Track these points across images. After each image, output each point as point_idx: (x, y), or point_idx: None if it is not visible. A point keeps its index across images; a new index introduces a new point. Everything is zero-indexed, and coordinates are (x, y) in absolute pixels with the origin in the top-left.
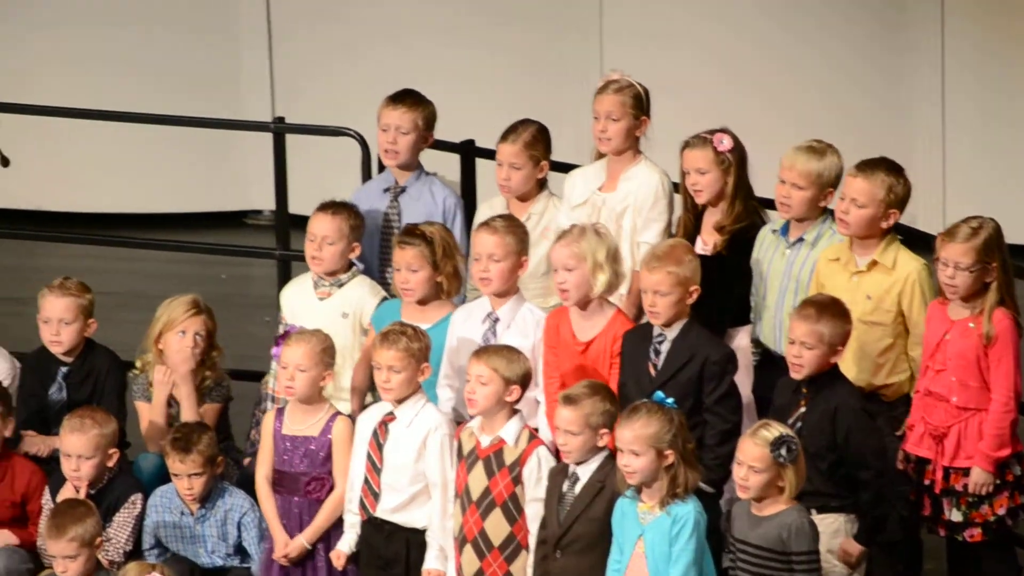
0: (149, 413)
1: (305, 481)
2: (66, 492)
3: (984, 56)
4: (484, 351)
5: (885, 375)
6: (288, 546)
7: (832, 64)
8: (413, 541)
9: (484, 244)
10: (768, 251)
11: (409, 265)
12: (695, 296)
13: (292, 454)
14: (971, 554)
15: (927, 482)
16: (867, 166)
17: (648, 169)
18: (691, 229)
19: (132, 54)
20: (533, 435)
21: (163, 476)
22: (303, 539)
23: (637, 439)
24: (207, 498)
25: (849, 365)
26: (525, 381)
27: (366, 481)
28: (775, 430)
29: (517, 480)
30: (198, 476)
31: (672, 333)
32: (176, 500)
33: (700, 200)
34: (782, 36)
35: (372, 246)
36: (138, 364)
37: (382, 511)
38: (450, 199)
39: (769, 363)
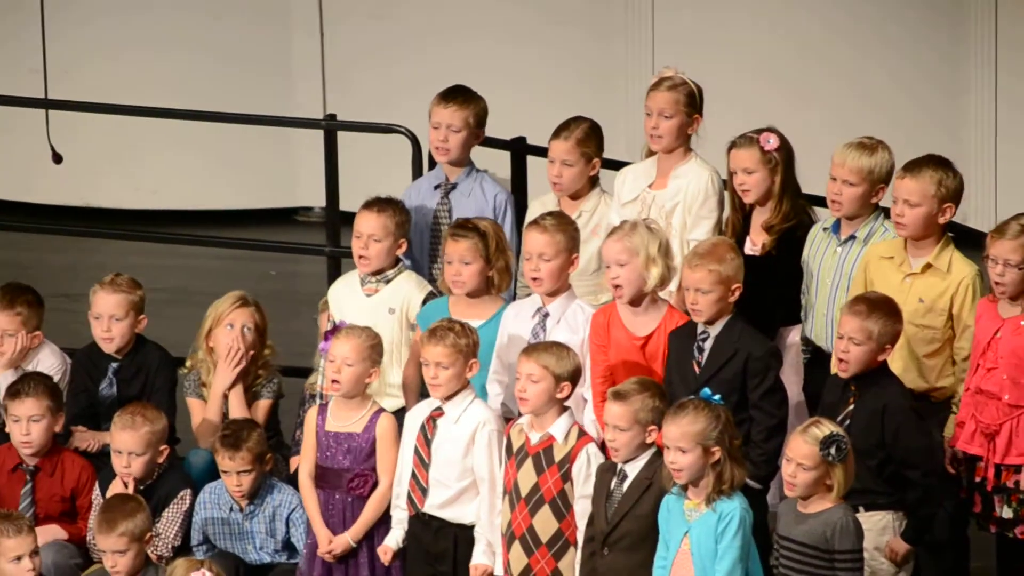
0: (202, 410)
1: (348, 478)
2: (116, 487)
3: None
4: (533, 348)
5: (935, 378)
6: (333, 543)
7: (883, 65)
8: (461, 537)
9: (534, 243)
10: (819, 249)
11: (462, 257)
12: (737, 294)
13: (335, 450)
14: (1021, 551)
15: (978, 479)
16: (913, 165)
17: (699, 166)
18: (739, 229)
19: (184, 50)
20: (583, 432)
21: (214, 472)
22: (349, 537)
23: (684, 436)
24: (256, 494)
25: (898, 367)
26: (575, 377)
27: (414, 476)
28: (826, 428)
29: (566, 477)
30: (247, 473)
31: (715, 330)
32: (225, 496)
33: (748, 200)
34: (833, 42)
35: (422, 243)
36: (188, 362)
37: (430, 507)
38: (501, 195)
39: (819, 361)
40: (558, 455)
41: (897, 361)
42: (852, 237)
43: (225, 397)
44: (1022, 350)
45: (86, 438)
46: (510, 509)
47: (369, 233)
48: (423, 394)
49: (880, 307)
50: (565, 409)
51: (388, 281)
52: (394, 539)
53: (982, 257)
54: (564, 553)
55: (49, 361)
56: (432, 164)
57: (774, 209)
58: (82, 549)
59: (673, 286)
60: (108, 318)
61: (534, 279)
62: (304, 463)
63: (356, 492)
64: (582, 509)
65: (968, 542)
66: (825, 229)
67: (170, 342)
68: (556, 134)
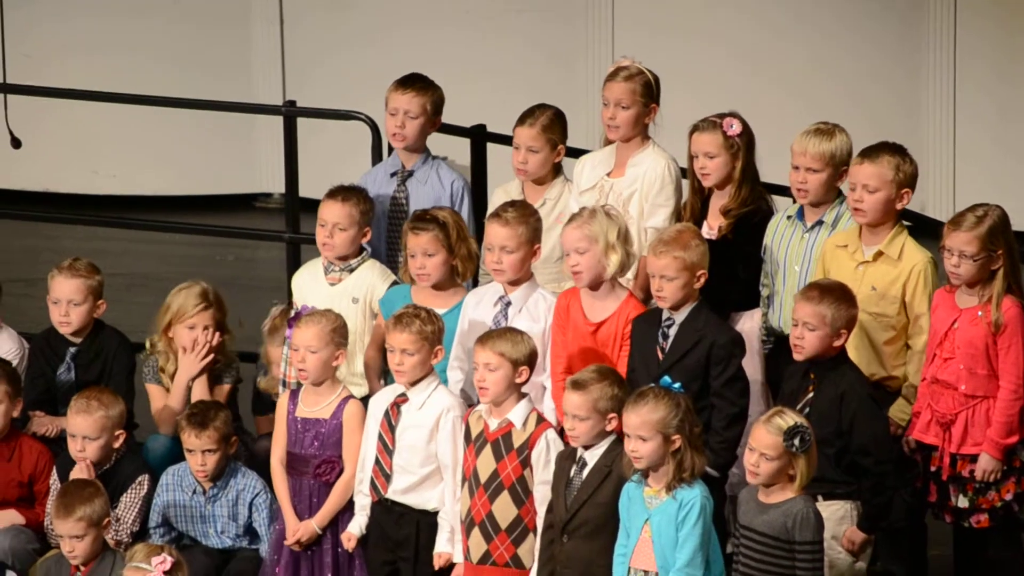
0: (162, 396)
1: (315, 464)
2: (77, 472)
3: (995, 44)
4: (487, 337)
5: (890, 366)
6: (299, 530)
7: (844, 50)
8: (423, 523)
9: (496, 235)
10: (784, 237)
11: (425, 250)
12: (702, 281)
13: (303, 436)
14: (977, 539)
15: (933, 468)
16: (871, 151)
17: (655, 154)
18: (698, 212)
19: (145, 38)
20: (542, 418)
21: (173, 458)
22: (314, 523)
23: (644, 424)
24: (219, 477)
25: (853, 355)
26: (532, 361)
27: (377, 462)
28: (790, 418)
29: (525, 463)
30: (212, 453)
31: (680, 317)
32: (188, 479)
33: (707, 184)
34: (793, 22)
35: (379, 230)
36: (147, 347)
37: (393, 492)
38: (457, 182)
39: (784, 349)
40: (517, 441)
41: (853, 350)
42: (819, 222)
43: (189, 387)
44: (979, 340)
45: (44, 423)
46: (469, 495)
47: (334, 222)
48: (385, 375)
49: (832, 292)
50: (524, 395)
51: (352, 270)
52: (357, 525)
53: (938, 248)
54: (523, 539)
55: (7, 346)
56: (390, 151)
57: (733, 194)
58: (39, 534)
59: (630, 274)
60: (66, 303)
61: (496, 271)
62: (275, 449)
63: (322, 478)
64: (541, 495)
65: (926, 530)
66: (789, 217)
67: (129, 327)
68: (521, 120)
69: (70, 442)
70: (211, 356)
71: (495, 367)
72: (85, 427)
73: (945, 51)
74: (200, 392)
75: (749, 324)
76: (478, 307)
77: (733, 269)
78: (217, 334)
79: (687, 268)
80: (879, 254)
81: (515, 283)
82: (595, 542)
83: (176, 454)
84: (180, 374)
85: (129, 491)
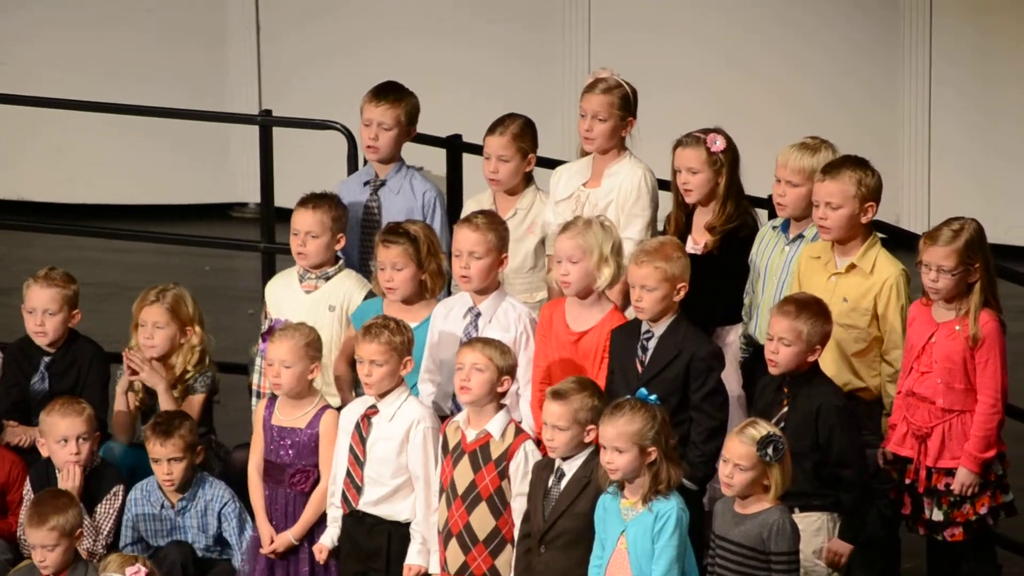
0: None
1: (290, 472)
2: (63, 478)
3: (971, 53)
4: (477, 341)
5: (861, 377)
6: (275, 542)
7: (821, 50)
8: (395, 534)
9: (465, 241)
10: (767, 248)
11: (394, 263)
12: (682, 294)
13: (279, 444)
14: (951, 553)
15: (908, 481)
16: (831, 167)
17: (631, 165)
18: (682, 226)
19: (121, 49)
20: (520, 430)
21: (130, 466)
22: (291, 536)
23: (620, 436)
24: (186, 487)
25: (827, 366)
26: (513, 373)
27: (349, 474)
28: (762, 428)
29: (503, 474)
30: (178, 461)
31: (660, 329)
32: (156, 493)
33: (690, 200)
34: (770, 24)
35: (352, 239)
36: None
37: (365, 504)
38: (430, 193)
39: (761, 359)
40: (495, 452)
41: (826, 361)
42: (800, 236)
43: (125, 394)
44: (956, 355)
45: (17, 433)
46: (447, 507)
47: (306, 230)
48: (357, 386)
49: (809, 307)
50: (502, 406)
51: (328, 278)
52: (329, 537)
53: (915, 263)
54: (501, 551)
55: None
56: (367, 161)
57: (717, 211)
58: (12, 544)
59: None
60: (42, 312)
61: (463, 277)
62: (252, 457)
63: (298, 488)
64: (519, 507)
65: (899, 543)
66: (774, 228)
67: (103, 337)
68: (491, 130)
69: (58, 449)
70: (139, 370)
71: (483, 368)
72: (77, 426)
73: (920, 62)
74: (167, 404)
75: (733, 337)
76: (447, 318)
77: (719, 284)
78: (170, 329)
79: (668, 279)
80: (852, 266)
81: (483, 292)
82: (573, 553)
83: (132, 461)
84: (120, 382)
85: (104, 502)
